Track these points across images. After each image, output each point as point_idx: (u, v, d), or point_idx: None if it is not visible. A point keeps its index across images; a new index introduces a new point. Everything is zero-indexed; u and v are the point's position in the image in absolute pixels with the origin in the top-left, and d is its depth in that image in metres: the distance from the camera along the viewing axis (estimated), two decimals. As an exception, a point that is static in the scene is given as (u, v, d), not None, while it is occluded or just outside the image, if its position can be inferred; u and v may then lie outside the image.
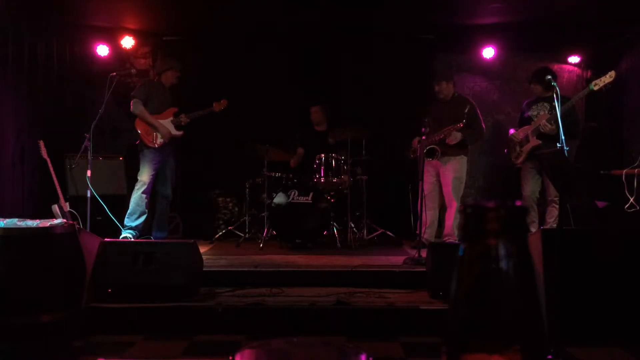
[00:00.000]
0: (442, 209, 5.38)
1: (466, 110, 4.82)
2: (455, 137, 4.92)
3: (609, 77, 4.52)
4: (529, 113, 5.17)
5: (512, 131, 5.30)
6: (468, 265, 0.49)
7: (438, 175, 5.21)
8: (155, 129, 5.26)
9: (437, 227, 5.41)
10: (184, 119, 5.39)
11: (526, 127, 5.11)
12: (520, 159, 5.08)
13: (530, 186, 5.07)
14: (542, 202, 5.18)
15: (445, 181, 5.12)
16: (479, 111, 5.14)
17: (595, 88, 4.59)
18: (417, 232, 5.13)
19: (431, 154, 4.88)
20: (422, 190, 4.70)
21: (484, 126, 5.20)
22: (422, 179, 4.67)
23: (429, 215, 5.09)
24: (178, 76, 5.47)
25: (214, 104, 5.52)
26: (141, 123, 5.25)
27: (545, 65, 5.46)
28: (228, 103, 5.58)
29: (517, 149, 5.13)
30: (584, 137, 5.54)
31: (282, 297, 3.59)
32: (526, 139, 5.06)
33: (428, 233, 5.08)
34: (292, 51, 6.36)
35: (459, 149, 5.07)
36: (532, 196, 5.04)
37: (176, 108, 5.42)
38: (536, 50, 6.25)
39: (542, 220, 5.12)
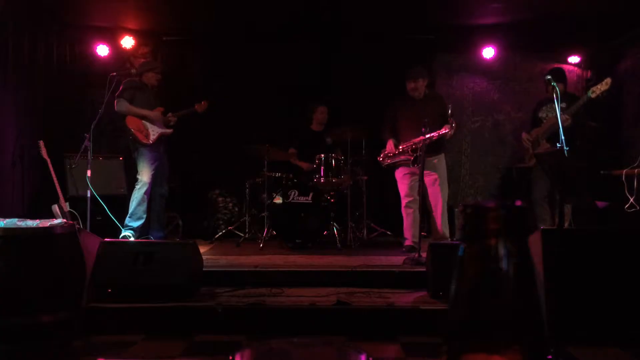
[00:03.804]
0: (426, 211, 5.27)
1: (449, 111, 4.67)
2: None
3: (605, 85, 4.67)
4: (540, 114, 5.24)
5: (524, 135, 5.32)
6: (468, 265, 0.49)
7: (417, 176, 4.98)
8: (147, 119, 5.25)
9: (425, 229, 5.38)
10: (171, 117, 5.41)
11: (536, 129, 5.18)
12: (533, 161, 5.14)
13: (540, 187, 5.11)
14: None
15: (429, 181, 4.95)
16: (447, 105, 4.97)
17: (593, 95, 4.73)
18: (406, 235, 5.12)
19: (414, 161, 4.79)
20: (422, 189, 4.67)
21: (452, 120, 4.95)
22: (422, 179, 4.63)
23: (413, 216, 5.00)
24: (158, 79, 5.46)
25: (195, 105, 5.52)
26: (132, 121, 5.22)
27: (558, 66, 5.48)
28: (208, 104, 5.55)
29: (530, 151, 5.20)
30: (584, 137, 5.56)
31: (282, 297, 3.59)
32: (537, 142, 5.12)
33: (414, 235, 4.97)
34: (293, 51, 6.36)
35: (438, 147, 4.94)
36: (540, 196, 5.08)
37: (162, 108, 5.42)
38: (536, 50, 6.25)
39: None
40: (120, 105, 5.22)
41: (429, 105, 4.94)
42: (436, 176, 4.99)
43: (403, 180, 5.10)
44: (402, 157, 4.93)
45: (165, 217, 5.70)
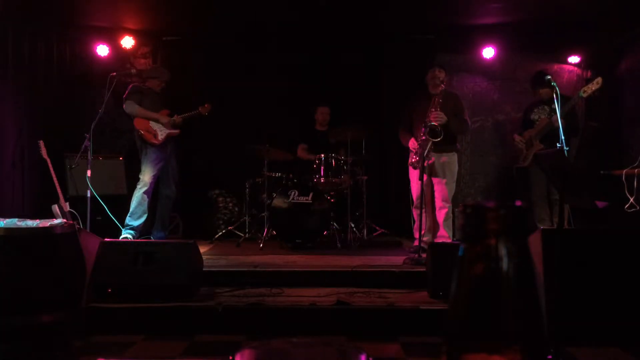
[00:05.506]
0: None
1: (454, 100, 4.81)
2: (441, 116, 4.63)
3: (596, 84, 4.66)
4: (532, 116, 5.27)
5: (516, 137, 5.31)
6: (468, 265, 0.49)
7: (430, 174, 4.95)
8: (156, 121, 5.31)
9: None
10: (177, 119, 5.44)
11: (530, 130, 5.20)
12: (527, 162, 5.15)
13: (539, 187, 5.11)
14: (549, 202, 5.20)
15: (436, 179, 4.92)
16: (464, 104, 5.05)
17: (584, 95, 4.74)
18: (416, 235, 5.07)
19: (434, 134, 4.53)
20: (423, 190, 4.66)
21: (468, 120, 5.03)
22: (422, 178, 4.63)
23: (428, 217, 4.98)
24: (162, 87, 5.52)
25: (199, 108, 5.53)
26: (140, 121, 5.26)
27: (540, 68, 5.51)
28: (211, 107, 5.56)
29: (524, 152, 5.21)
30: (584, 137, 5.56)
31: (282, 297, 3.59)
32: (530, 143, 5.13)
33: (428, 237, 4.94)
34: (293, 51, 6.36)
35: (449, 144, 4.82)
36: (541, 196, 5.08)
37: (167, 110, 5.46)
38: (536, 50, 6.25)
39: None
40: (130, 107, 5.25)
41: (445, 103, 4.82)
42: (445, 176, 4.89)
43: (418, 180, 5.03)
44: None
45: (169, 217, 5.71)
